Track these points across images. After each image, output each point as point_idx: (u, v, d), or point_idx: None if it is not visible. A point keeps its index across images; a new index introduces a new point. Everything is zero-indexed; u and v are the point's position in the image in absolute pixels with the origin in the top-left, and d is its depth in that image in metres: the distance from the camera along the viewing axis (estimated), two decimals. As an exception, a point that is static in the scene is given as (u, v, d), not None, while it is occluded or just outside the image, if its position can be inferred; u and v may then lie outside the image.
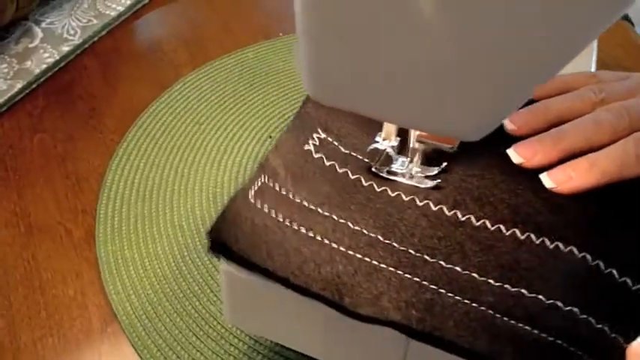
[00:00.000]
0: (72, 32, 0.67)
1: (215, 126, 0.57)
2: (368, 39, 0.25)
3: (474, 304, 0.30)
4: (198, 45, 0.66)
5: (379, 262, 0.32)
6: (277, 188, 0.35)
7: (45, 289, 0.45)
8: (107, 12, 0.70)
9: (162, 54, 0.65)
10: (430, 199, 0.35)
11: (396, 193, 0.35)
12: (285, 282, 0.31)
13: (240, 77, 0.62)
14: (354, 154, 0.38)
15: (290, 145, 0.38)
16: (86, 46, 0.66)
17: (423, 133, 0.33)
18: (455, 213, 0.34)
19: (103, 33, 0.68)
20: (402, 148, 0.36)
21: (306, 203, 0.35)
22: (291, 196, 0.35)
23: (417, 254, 0.32)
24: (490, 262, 0.32)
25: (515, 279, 0.31)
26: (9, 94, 0.59)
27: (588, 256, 0.32)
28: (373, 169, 0.36)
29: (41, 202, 0.50)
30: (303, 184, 0.36)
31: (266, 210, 0.34)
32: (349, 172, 0.36)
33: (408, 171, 0.35)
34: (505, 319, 0.30)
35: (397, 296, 0.30)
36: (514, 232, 0.33)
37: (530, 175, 0.36)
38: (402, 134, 0.35)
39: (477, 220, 0.34)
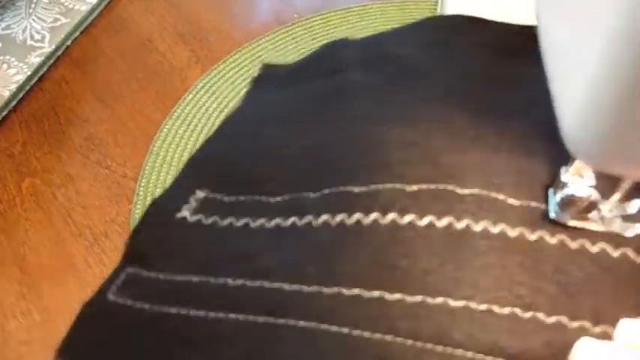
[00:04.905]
0: (38, 37, 0.53)
1: (252, 144, 0.46)
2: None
3: None
4: (199, 39, 0.54)
5: None
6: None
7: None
8: (76, 6, 0.56)
9: (158, 54, 0.53)
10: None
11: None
12: None
13: (262, 76, 0.51)
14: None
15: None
16: (59, 52, 0.53)
17: None
18: None
19: (77, 34, 0.55)
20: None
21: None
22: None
23: None
24: None
25: None
26: (-24, 130, 0.46)
27: None
28: (552, 216, 0.27)
29: (55, 276, 0.38)
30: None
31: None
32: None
33: (612, 216, 0.26)
34: None
35: None
36: None
37: None
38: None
39: None
